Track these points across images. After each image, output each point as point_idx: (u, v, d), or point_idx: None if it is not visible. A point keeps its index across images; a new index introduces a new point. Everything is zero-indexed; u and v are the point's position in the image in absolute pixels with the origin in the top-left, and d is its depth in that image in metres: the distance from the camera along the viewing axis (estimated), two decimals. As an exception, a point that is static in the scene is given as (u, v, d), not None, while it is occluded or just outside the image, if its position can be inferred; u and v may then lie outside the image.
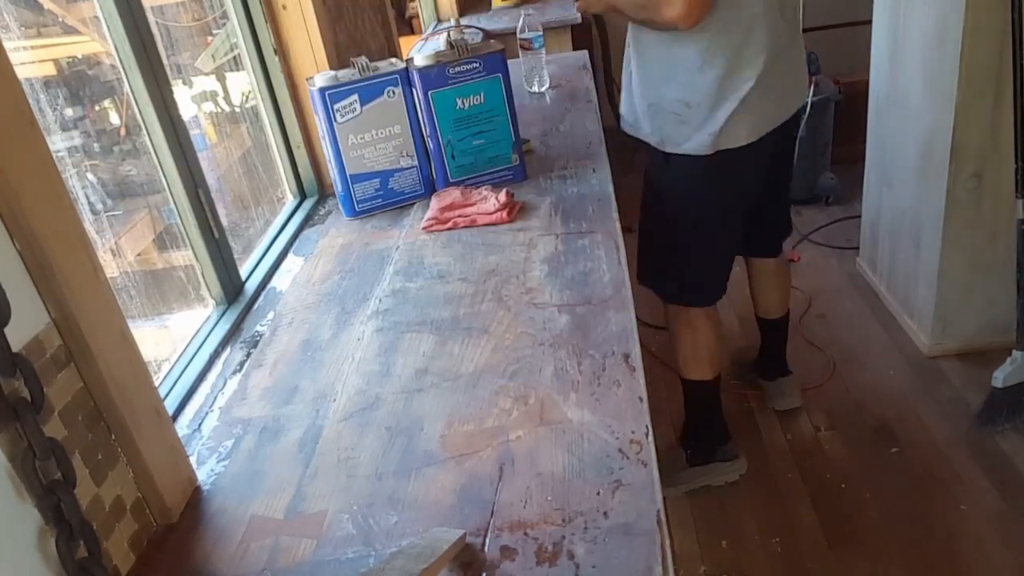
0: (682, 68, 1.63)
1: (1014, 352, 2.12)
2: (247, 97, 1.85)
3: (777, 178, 1.99)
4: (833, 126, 3.43)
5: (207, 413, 1.16)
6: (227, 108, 1.93)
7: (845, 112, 3.36)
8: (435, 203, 1.63)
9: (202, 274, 1.41)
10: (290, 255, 1.62)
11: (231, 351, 1.31)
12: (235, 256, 1.49)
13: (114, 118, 1.47)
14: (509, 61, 1.66)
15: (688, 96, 1.65)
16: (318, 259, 1.56)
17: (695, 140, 1.68)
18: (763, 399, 2.42)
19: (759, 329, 2.37)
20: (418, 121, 1.65)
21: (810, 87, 3.29)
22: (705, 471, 2.11)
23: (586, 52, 2.80)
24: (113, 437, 0.89)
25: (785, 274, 2.29)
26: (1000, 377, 2.14)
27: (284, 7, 1.74)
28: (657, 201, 1.87)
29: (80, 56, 1.42)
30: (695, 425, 2.13)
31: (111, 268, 1.32)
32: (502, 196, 1.57)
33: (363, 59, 1.60)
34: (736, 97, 1.62)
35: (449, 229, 1.56)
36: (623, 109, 1.85)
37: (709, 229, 1.83)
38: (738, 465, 2.13)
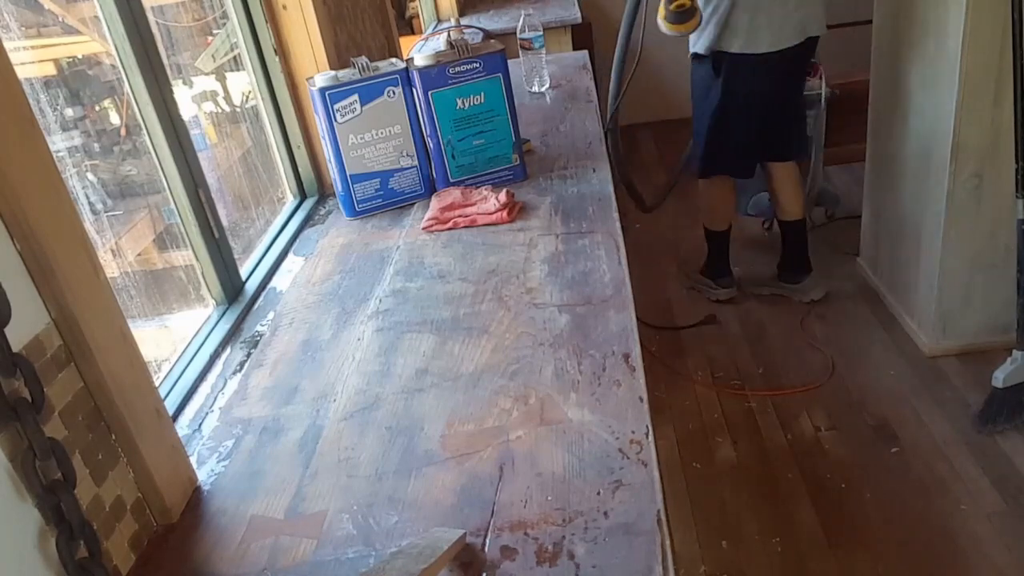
0: None
1: (1014, 352, 2.13)
2: (247, 97, 1.85)
3: (785, 96, 2.66)
4: (824, 127, 3.43)
5: (207, 413, 1.16)
6: (227, 108, 1.93)
7: (844, 112, 3.35)
8: (435, 203, 1.63)
9: (202, 274, 1.41)
10: (290, 255, 1.62)
11: (231, 351, 1.31)
12: (235, 256, 1.49)
13: (114, 118, 1.47)
14: (509, 61, 1.66)
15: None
16: (318, 259, 1.56)
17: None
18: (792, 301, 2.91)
19: (781, 232, 2.91)
20: (418, 121, 1.65)
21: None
22: (704, 280, 3.00)
23: (586, 52, 2.81)
24: (113, 437, 0.89)
25: (797, 179, 2.85)
26: (1000, 377, 2.14)
27: (284, 7, 1.74)
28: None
29: (80, 56, 1.42)
30: (712, 257, 2.98)
31: (111, 268, 1.32)
32: (502, 196, 1.57)
33: (363, 59, 1.60)
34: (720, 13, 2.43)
35: (449, 229, 1.56)
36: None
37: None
38: (727, 292, 2.95)
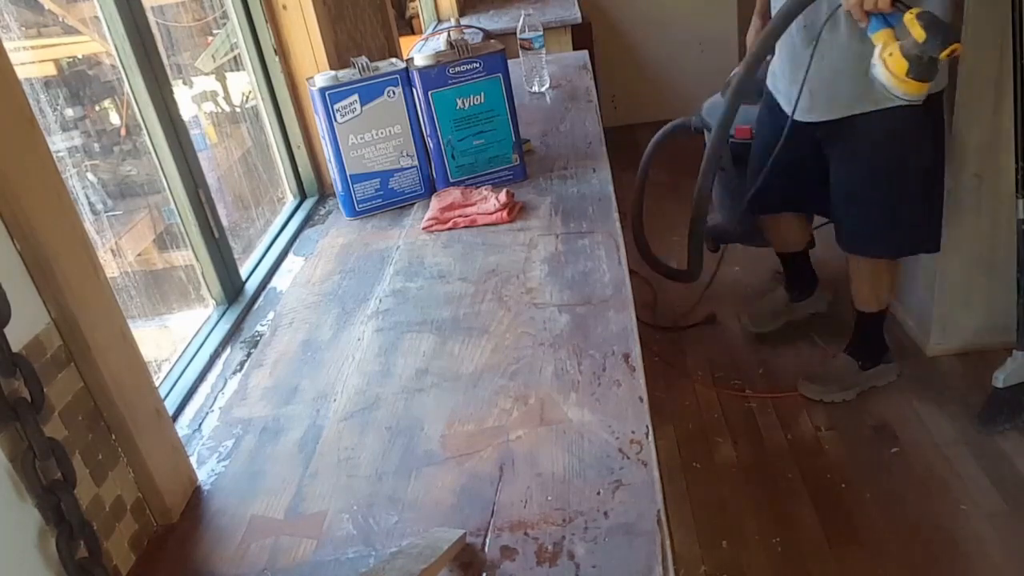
0: None
1: (1014, 352, 2.12)
2: (247, 97, 1.85)
3: None
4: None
5: (207, 413, 1.16)
6: (227, 108, 1.93)
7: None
8: (435, 203, 1.63)
9: (202, 274, 1.41)
10: (290, 255, 1.62)
11: (231, 351, 1.31)
12: (235, 256, 1.49)
13: (114, 118, 1.47)
14: (509, 61, 1.66)
15: None
16: (318, 259, 1.56)
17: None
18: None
19: (796, 264, 2.69)
20: (418, 121, 1.65)
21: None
22: (875, 372, 2.40)
23: (586, 52, 2.81)
24: (113, 437, 0.89)
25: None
26: (1000, 377, 2.13)
27: (284, 7, 1.74)
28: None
29: (80, 56, 1.42)
30: (868, 342, 2.41)
31: (111, 268, 1.32)
32: (502, 196, 1.57)
33: (363, 59, 1.60)
34: None
35: (449, 229, 1.56)
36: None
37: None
38: (895, 366, 2.42)
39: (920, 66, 1.57)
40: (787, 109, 2.04)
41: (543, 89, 2.36)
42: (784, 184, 2.21)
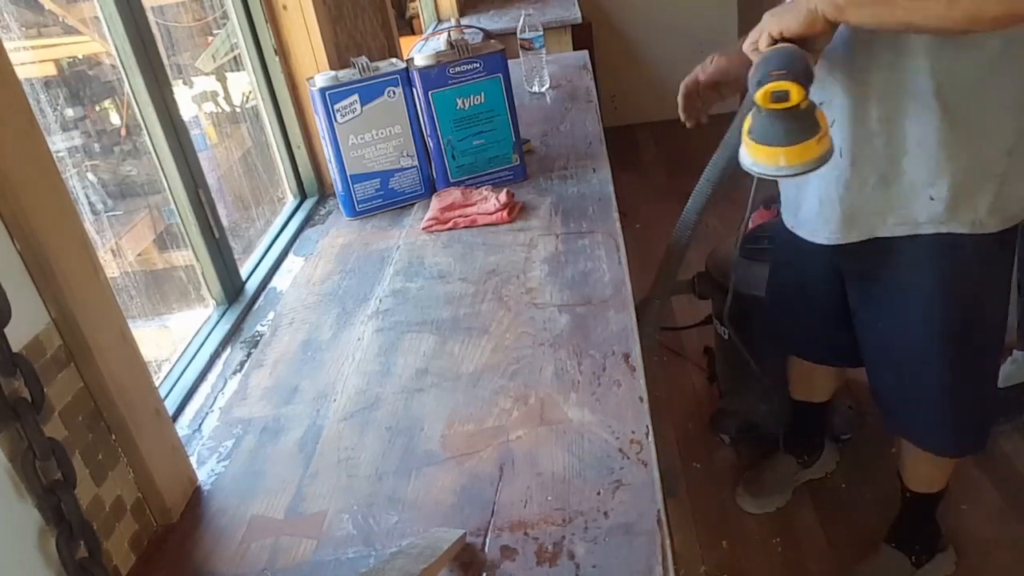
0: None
1: (1014, 352, 2.13)
2: (247, 97, 1.85)
3: None
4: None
5: (207, 413, 1.16)
6: (227, 108, 1.93)
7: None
8: (435, 203, 1.63)
9: (202, 274, 1.41)
10: (290, 255, 1.62)
11: (231, 351, 1.31)
12: (235, 256, 1.49)
13: (114, 118, 1.47)
14: (509, 61, 1.66)
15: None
16: (318, 259, 1.56)
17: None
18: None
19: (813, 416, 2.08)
20: (418, 121, 1.65)
21: None
22: (933, 567, 1.82)
23: (586, 52, 2.81)
24: (113, 437, 0.89)
25: None
26: (1000, 377, 2.13)
27: (284, 7, 1.74)
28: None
29: (80, 56, 1.42)
30: (922, 527, 1.85)
31: (111, 268, 1.32)
32: (502, 196, 1.57)
33: (363, 59, 1.60)
34: None
35: (449, 229, 1.56)
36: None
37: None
38: (952, 554, 1.85)
39: (757, 118, 1.06)
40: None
41: (543, 89, 2.36)
42: (831, 333, 1.64)
